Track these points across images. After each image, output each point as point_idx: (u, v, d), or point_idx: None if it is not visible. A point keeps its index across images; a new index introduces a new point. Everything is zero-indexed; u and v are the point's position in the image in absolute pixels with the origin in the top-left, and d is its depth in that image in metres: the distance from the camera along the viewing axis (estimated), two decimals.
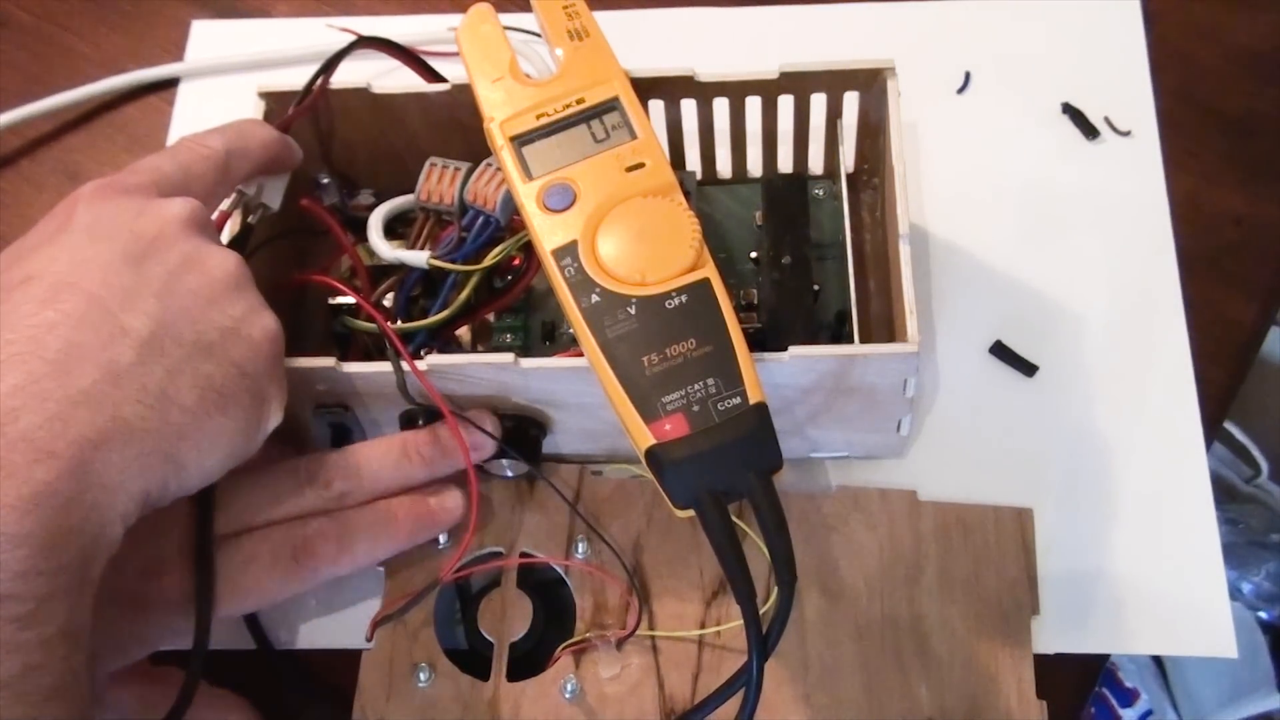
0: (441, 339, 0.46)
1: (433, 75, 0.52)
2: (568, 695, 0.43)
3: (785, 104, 0.47)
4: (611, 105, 0.41)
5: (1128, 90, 0.55)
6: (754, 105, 0.46)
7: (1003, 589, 0.44)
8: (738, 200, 0.49)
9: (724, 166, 0.50)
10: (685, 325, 0.37)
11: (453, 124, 0.47)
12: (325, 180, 0.49)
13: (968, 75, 0.57)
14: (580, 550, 0.46)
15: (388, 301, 0.46)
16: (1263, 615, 0.92)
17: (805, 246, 0.46)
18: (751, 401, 0.36)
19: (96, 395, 0.32)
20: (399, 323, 0.45)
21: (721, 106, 0.47)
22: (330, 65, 0.47)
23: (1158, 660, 0.92)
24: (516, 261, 0.46)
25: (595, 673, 0.44)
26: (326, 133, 0.48)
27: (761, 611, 0.37)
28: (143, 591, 0.39)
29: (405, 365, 0.40)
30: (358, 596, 0.46)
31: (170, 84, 0.60)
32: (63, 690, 0.30)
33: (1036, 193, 0.53)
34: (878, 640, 0.44)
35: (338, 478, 0.42)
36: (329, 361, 0.41)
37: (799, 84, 0.45)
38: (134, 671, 0.40)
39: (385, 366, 0.41)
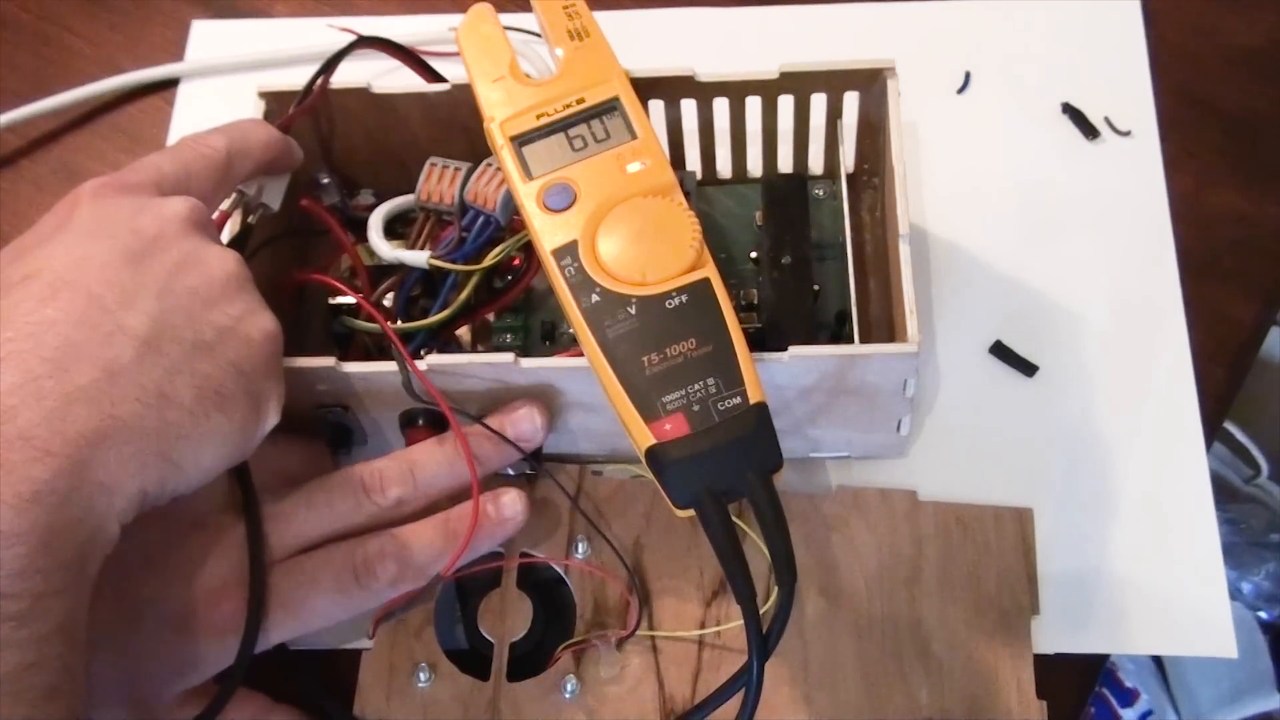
0: (441, 339, 0.46)
1: (433, 75, 0.52)
2: (568, 695, 0.43)
3: (785, 104, 0.47)
4: (611, 105, 0.41)
5: (1128, 90, 0.55)
6: (754, 105, 0.46)
7: (1003, 589, 0.44)
8: (738, 200, 0.49)
9: (724, 166, 0.50)
10: (685, 325, 0.37)
11: (453, 124, 0.47)
12: (325, 180, 0.49)
13: (968, 75, 0.57)
14: (580, 550, 0.46)
15: (388, 301, 0.46)
16: (1263, 615, 0.92)
17: (805, 246, 0.46)
18: (751, 401, 0.36)
19: (94, 393, 0.32)
20: (399, 323, 0.45)
21: (721, 106, 0.46)
22: (330, 65, 0.47)
23: (1158, 660, 0.92)
24: (516, 261, 0.46)
25: (595, 673, 0.44)
26: (326, 133, 0.48)
27: (761, 611, 0.37)
28: (203, 617, 0.39)
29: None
30: None
31: (170, 84, 0.60)
32: (59, 688, 0.30)
33: (1036, 193, 0.53)
34: (878, 640, 0.44)
35: (393, 485, 0.42)
36: (329, 361, 0.41)
37: (799, 84, 0.45)
38: (199, 691, 0.40)
39: (385, 366, 0.41)
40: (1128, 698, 0.90)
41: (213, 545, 0.40)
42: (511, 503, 0.43)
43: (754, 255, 0.48)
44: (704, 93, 0.46)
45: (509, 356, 0.40)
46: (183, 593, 0.39)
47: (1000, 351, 0.50)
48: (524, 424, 0.42)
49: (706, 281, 0.38)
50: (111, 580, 0.34)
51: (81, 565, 0.32)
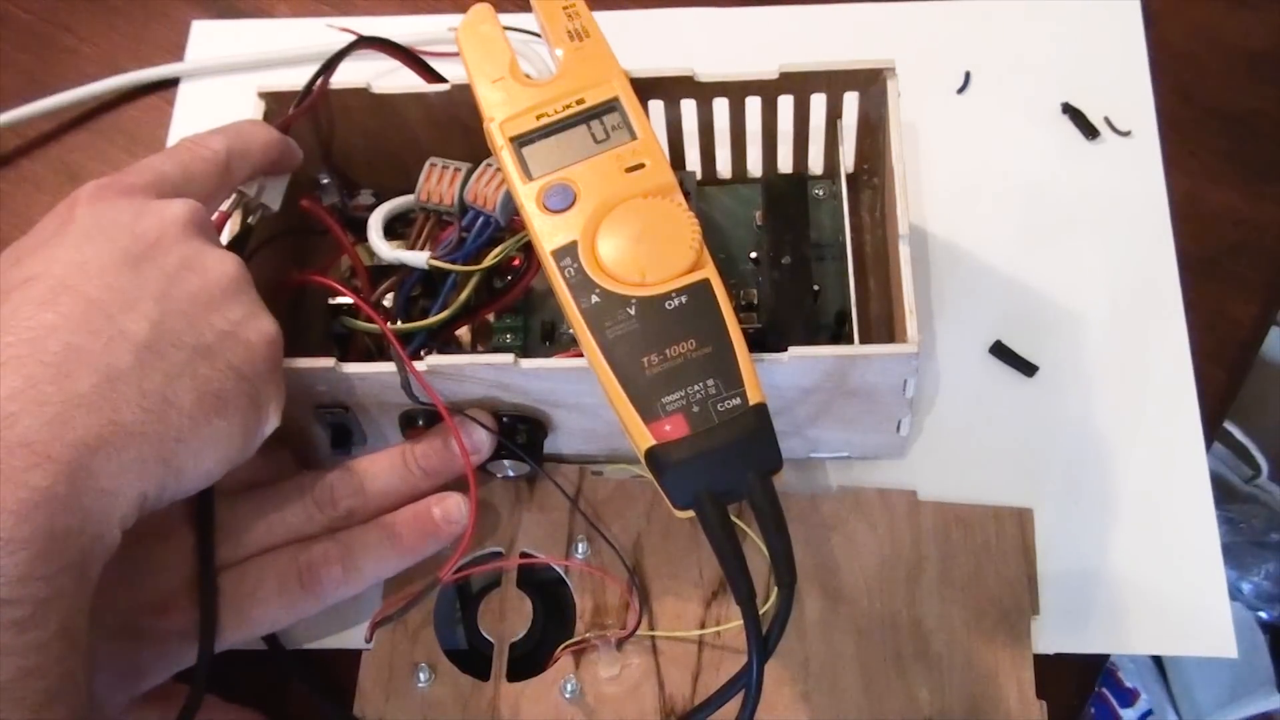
0: (441, 339, 0.45)
1: (433, 75, 0.52)
2: (568, 695, 0.43)
3: (785, 104, 0.46)
4: (611, 105, 0.41)
5: (1128, 90, 0.55)
6: (754, 105, 0.46)
7: (1003, 589, 0.44)
8: (738, 200, 0.49)
9: (724, 166, 0.50)
10: (685, 326, 0.37)
11: (453, 124, 0.47)
12: (325, 180, 0.49)
13: (968, 75, 0.57)
14: (580, 550, 0.46)
15: (387, 302, 0.46)
16: (1263, 615, 0.92)
17: (805, 246, 0.46)
18: (751, 402, 0.36)
19: (95, 399, 0.32)
20: (399, 323, 0.45)
21: (721, 106, 0.46)
22: (330, 65, 0.47)
23: (1158, 660, 0.92)
24: (516, 262, 0.46)
25: (595, 673, 0.44)
26: (326, 133, 0.48)
27: (761, 611, 0.37)
28: (150, 626, 0.39)
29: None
30: (358, 597, 0.45)
31: (170, 84, 0.60)
32: (61, 693, 0.30)
33: (1036, 193, 0.53)
34: (878, 640, 0.44)
35: (344, 496, 0.42)
36: (328, 362, 0.41)
37: (799, 84, 0.45)
38: (158, 691, 0.40)
39: (384, 367, 0.41)
40: (1128, 698, 0.90)
41: (163, 555, 0.40)
42: (456, 506, 0.43)
43: (754, 255, 0.48)
44: (704, 93, 0.46)
45: (509, 357, 0.40)
46: (129, 601, 0.39)
47: (1000, 351, 0.50)
48: (475, 432, 0.43)
49: (706, 282, 0.38)
50: None
51: (83, 571, 0.32)
